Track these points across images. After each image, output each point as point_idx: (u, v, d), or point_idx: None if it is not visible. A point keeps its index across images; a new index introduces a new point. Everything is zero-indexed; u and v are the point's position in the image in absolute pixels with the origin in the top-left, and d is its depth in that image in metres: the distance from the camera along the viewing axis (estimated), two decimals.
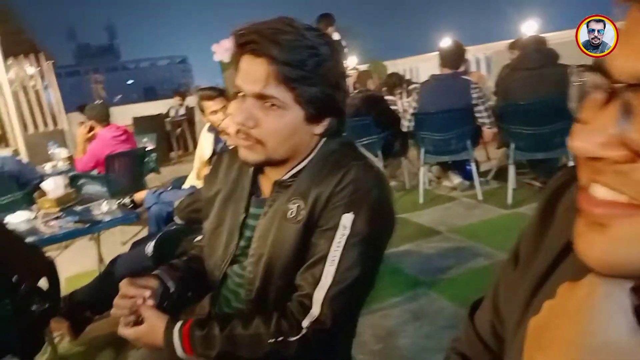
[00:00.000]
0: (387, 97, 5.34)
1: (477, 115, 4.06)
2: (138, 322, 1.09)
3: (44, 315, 2.08)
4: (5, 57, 5.60)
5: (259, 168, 1.17)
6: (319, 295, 1.01)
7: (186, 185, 3.12)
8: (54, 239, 2.41)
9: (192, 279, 1.26)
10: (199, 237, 1.42)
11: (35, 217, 2.63)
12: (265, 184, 1.17)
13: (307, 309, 1.01)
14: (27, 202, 3.42)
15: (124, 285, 1.13)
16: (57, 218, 2.57)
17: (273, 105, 1.02)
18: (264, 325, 1.02)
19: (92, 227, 2.46)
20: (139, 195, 2.97)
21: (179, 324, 1.07)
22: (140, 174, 4.55)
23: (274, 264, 1.07)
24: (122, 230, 4.47)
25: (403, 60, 9.92)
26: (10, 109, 5.80)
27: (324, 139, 1.12)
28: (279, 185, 1.11)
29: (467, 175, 4.46)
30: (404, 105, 5.16)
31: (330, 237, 1.02)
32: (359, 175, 1.04)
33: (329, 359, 1.16)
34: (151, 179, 5.09)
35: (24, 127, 8.63)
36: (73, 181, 3.73)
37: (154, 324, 1.07)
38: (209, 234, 1.26)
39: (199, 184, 2.92)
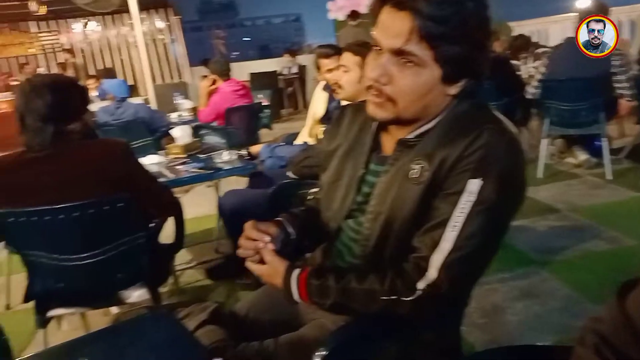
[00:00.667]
0: (511, 62, 4.97)
1: (616, 85, 3.65)
2: (261, 261, 1.15)
3: (169, 250, 2.30)
4: (140, 11, 6.04)
5: (383, 125, 1.15)
6: (436, 259, 0.99)
7: (298, 142, 3.20)
8: (179, 182, 2.61)
9: (310, 229, 1.30)
10: (315, 189, 1.45)
11: (164, 161, 2.87)
12: (388, 142, 1.15)
13: (423, 271, 1.00)
14: (156, 147, 3.73)
15: (248, 228, 1.20)
16: (183, 163, 2.78)
17: (410, 62, 0.99)
18: (378, 282, 1.03)
19: (214, 173, 2.63)
20: (255, 148, 3.10)
21: (297, 271, 1.11)
22: (256, 129, 4.75)
23: (392, 223, 1.07)
24: (237, 180, 4.73)
25: (531, 21, 9.12)
26: (143, 61, 6.29)
27: (456, 100, 1.07)
28: (403, 144, 1.09)
29: (595, 152, 4.06)
30: (529, 70, 4.78)
31: (454, 202, 0.99)
32: (492, 140, 0.98)
33: (439, 325, 1.15)
34: (263, 134, 5.30)
35: (153, 78, 9.35)
36: (195, 131, 3.99)
37: (274, 267, 1.13)
38: (326, 187, 1.29)
39: (311, 141, 2.97)
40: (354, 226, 1.19)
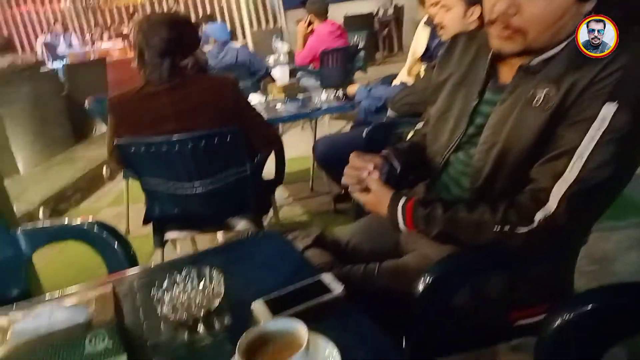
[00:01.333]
0: None
1: None
2: (366, 190, 1.17)
3: (271, 184, 2.41)
4: None
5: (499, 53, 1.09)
6: (558, 189, 0.94)
7: (396, 82, 3.13)
8: (279, 120, 2.69)
9: (414, 163, 1.29)
10: (420, 125, 1.43)
11: (264, 101, 2.95)
12: (505, 70, 1.09)
13: (541, 202, 0.96)
14: (256, 88, 3.84)
15: (352, 158, 1.21)
16: (282, 103, 2.85)
17: None
18: (489, 213, 1.00)
19: (312, 112, 2.67)
20: (351, 89, 3.09)
21: (403, 200, 1.12)
22: (350, 71, 4.71)
23: (508, 153, 1.02)
24: (330, 124, 4.77)
25: None
26: (241, 7, 6.41)
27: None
28: (525, 71, 1.03)
29: None
30: None
31: (584, 129, 0.92)
32: (632, 61, 0.89)
33: (551, 262, 1.11)
34: (357, 78, 5.24)
35: (250, 24, 9.51)
36: (292, 74, 4.04)
37: (379, 196, 1.14)
38: (434, 120, 1.26)
39: (410, 81, 2.89)
40: (464, 158, 1.16)
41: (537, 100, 0.98)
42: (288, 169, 2.77)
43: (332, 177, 2.77)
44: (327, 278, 0.96)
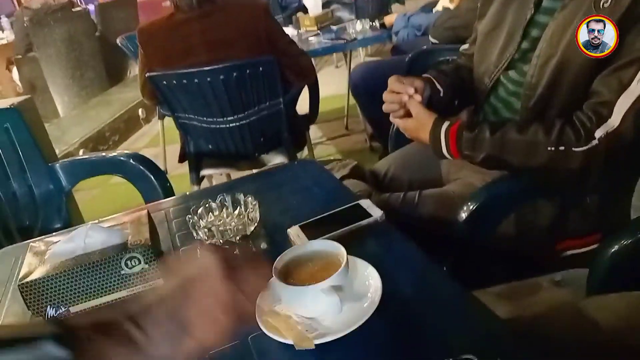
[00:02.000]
0: None
1: None
2: (407, 116, 1.10)
3: (305, 119, 2.35)
4: None
5: None
6: (623, 103, 0.85)
7: (438, 9, 2.95)
8: (313, 54, 2.59)
9: (460, 87, 1.20)
10: (465, 46, 1.32)
11: (297, 34, 2.84)
12: None
13: (603, 117, 0.87)
14: (287, 23, 3.71)
15: (392, 81, 1.13)
16: (315, 35, 2.73)
17: None
18: (543, 132, 0.92)
19: (347, 44, 2.55)
20: (389, 19, 2.93)
21: (446, 123, 1.05)
22: (387, 3, 4.47)
23: (567, 66, 0.93)
24: (366, 61, 4.60)
25: None
26: None
27: None
28: None
29: None
30: None
31: None
32: None
33: (609, 187, 1.03)
34: (394, 10, 4.99)
35: None
36: (325, 6, 3.87)
37: (421, 120, 1.07)
38: (482, 37, 1.15)
39: (452, 6, 2.71)
40: (516, 77, 1.06)
41: (603, 4, 0.86)
42: (322, 107, 2.70)
43: (367, 114, 2.68)
44: (366, 203, 0.92)
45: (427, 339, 0.62)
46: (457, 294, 0.67)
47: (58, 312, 0.77)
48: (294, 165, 1.21)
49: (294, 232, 0.88)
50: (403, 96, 1.11)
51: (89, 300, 0.78)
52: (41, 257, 0.80)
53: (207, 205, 0.98)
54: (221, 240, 0.91)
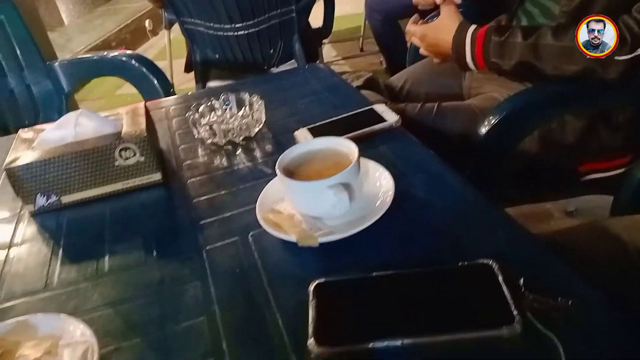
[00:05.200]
0: None
1: None
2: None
3: (318, 33, 2.22)
4: None
5: None
6: None
7: None
8: None
9: None
10: None
11: None
12: None
13: None
14: None
15: None
16: None
17: None
18: None
19: None
20: None
21: (473, 27, 0.95)
22: None
23: None
24: None
25: None
26: None
27: None
28: None
29: None
30: None
31: None
32: None
33: None
34: None
35: None
36: None
37: (447, 21, 0.97)
38: None
39: None
40: None
41: None
42: (337, 27, 2.54)
43: (381, 41, 2.52)
44: (380, 108, 0.84)
45: (440, 242, 0.57)
46: (476, 199, 0.62)
47: (49, 201, 0.73)
48: (303, 69, 1.12)
49: (302, 134, 0.82)
50: None
51: (81, 190, 0.74)
52: (29, 144, 0.75)
53: (209, 103, 0.91)
54: (223, 140, 0.85)
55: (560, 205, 1.51)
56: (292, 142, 0.81)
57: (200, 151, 0.86)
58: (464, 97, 1.19)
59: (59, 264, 0.64)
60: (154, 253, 0.64)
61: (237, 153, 0.84)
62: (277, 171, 0.61)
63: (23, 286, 0.61)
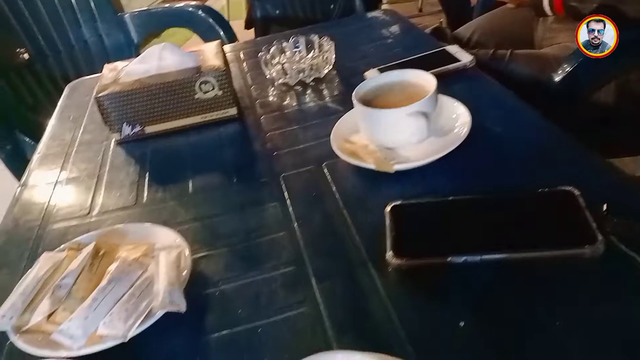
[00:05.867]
0: None
1: None
2: None
3: None
4: None
5: None
6: None
7: None
8: None
9: None
10: None
11: None
12: None
13: None
14: None
15: None
16: None
17: None
18: None
19: None
20: None
21: None
22: None
23: None
24: None
25: None
26: None
27: None
28: None
29: None
30: None
31: None
32: None
33: None
34: None
35: None
36: None
37: None
38: None
39: None
40: None
41: None
42: None
43: None
44: (453, 49, 0.83)
45: (517, 174, 0.57)
46: (554, 132, 0.61)
47: (134, 131, 0.77)
48: (371, 14, 1.11)
49: (372, 75, 0.82)
50: None
51: (164, 122, 0.78)
52: (116, 76, 0.79)
53: (280, 46, 0.93)
54: (294, 81, 0.87)
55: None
56: None
57: (271, 91, 0.88)
58: (535, 48, 1.15)
59: (146, 185, 0.68)
60: (234, 179, 0.67)
61: (307, 93, 0.86)
62: (354, 101, 0.62)
63: (115, 202, 0.66)
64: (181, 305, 0.45)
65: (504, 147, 0.61)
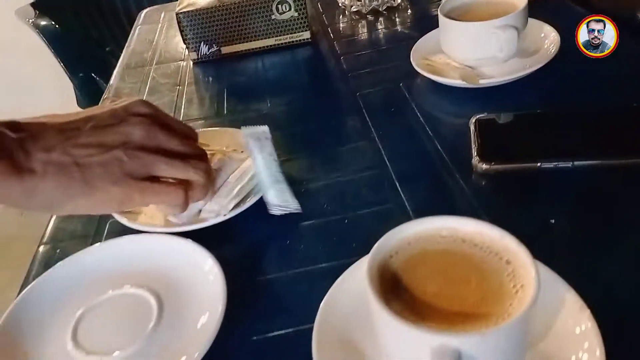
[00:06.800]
0: None
1: None
2: None
3: None
4: None
5: None
6: None
7: None
8: None
9: None
10: None
11: None
12: None
13: None
14: None
15: None
16: None
17: None
18: None
19: None
20: None
21: None
22: None
23: None
24: None
25: None
26: None
27: None
28: None
29: None
30: None
31: None
32: None
33: None
34: None
35: None
36: None
37: None
38: None
39: None
40: None
41: None
42: None
43: None
44: None
45: (607, 93, 0.55)
46: None
47: (210, 50, 0.79)
48: None
49: None
50: None
51: (240, 42, 0.79)
52: None
53: None
54: (367, 8, 0.86)
55: None
56: (435, 14, 0.80)
57: (343, 18, 0.88)
58: None
59: (225, 100, 0.70)
60: (310, 96, 0.68)
61: (380, 20, 0.85)
62: (440, 15, 0.61)
63: (198, 112, 0.68)
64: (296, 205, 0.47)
65: (594, 67, 0.59)
